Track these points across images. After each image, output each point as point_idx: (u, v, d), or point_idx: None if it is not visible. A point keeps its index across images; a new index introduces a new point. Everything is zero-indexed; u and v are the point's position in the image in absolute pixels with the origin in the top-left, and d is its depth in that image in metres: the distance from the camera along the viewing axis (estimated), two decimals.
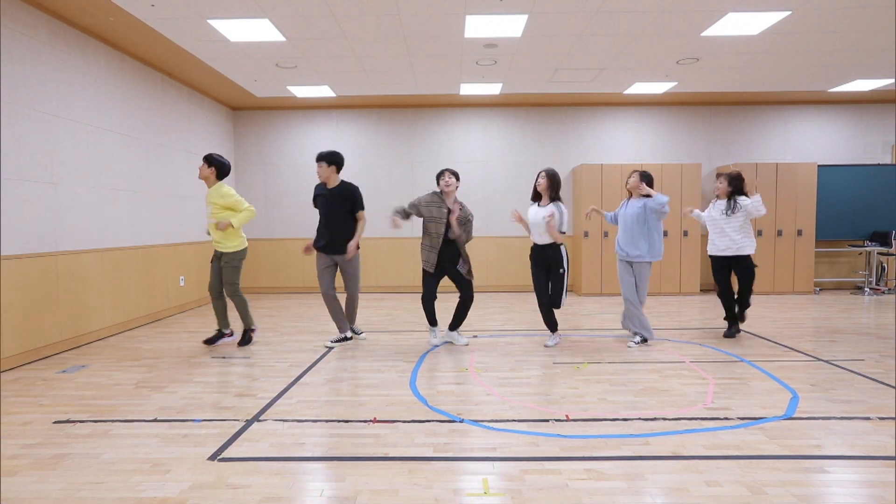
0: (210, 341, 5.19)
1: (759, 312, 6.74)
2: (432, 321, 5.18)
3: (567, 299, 5.01)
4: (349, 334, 5.24)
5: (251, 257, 9.06)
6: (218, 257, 5.02)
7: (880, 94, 8.29)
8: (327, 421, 3.23)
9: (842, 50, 6.11)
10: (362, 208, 5.06)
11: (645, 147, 9.00)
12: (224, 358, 4.77)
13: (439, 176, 5.01)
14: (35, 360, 4.70)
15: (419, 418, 3.26)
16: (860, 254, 8.90)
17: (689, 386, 3.85)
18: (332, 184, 5.02)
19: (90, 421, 3.27)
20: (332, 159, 4.97)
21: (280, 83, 7.36)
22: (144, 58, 6.32)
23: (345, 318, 5.21)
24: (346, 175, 8.94)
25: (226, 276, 4.99)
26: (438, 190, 5.04)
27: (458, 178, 5.10)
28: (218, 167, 4.93)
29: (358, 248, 5.03)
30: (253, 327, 5.20)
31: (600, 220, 8.35)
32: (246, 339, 5.16)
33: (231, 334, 5.28)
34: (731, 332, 5.35)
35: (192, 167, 7.54)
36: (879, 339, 5.31)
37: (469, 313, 7.00)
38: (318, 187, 5.11)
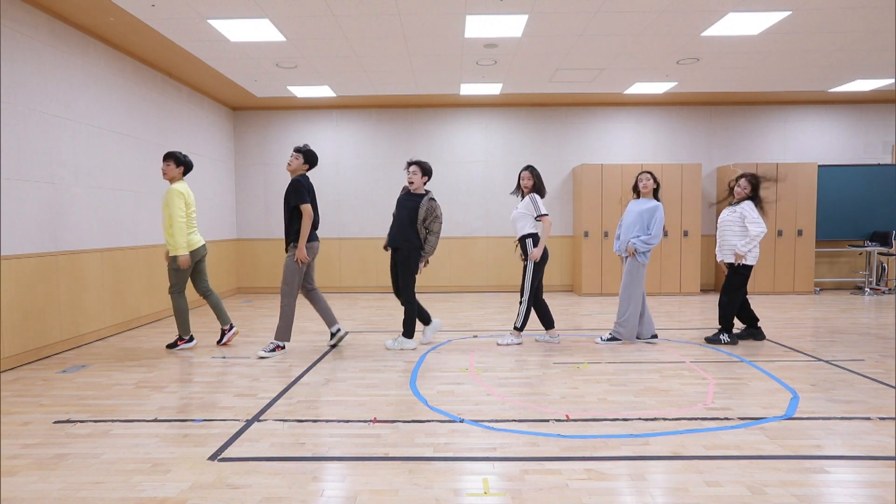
0: (219, 341, 5.25)
1: (760, 312, 6.73)
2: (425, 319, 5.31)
3: (527, 297, 5.07)
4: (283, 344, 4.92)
5: (251, 257, 9.08)
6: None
7: (880, 94, 8.29)
8: (327, 421, 3.23)
9: (842, 50, 6.11)
10: (303, 202, 4.70)
11: (645, 147, 9.00)
12: (224, 358, 4.77)
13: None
14: (35, 360, 4.70)
15: (419, 418, 3.26)
16: (860, 254, 8.90)
17: (689, 386, 3.85)
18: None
19: (90, 421, 3.27)
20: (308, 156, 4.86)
21: (280, 83, 7.36)
22: (144, 58, 6.32)
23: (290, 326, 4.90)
24: (346, 175, 9.05)
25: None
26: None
27: (423, 172, 5.11)
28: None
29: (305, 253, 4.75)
30: (185, 337, 5.09)
31: (601, 220, 8.36)
32: (174, 345, 5.08)
33: (231, 328, 5.26)
34: (742, 334, 5.26)
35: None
36: (879, 339, 5.31)
37: (470, 314, 7.01)
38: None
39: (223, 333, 5.23)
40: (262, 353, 4.76)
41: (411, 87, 7.61)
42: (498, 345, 5.14)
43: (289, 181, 4.92)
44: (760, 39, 5.76)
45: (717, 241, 5.19)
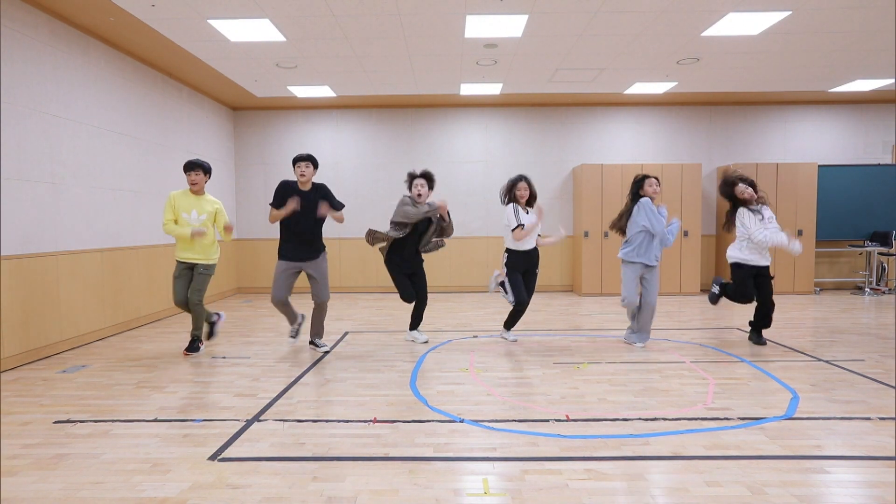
0: (202, 344, 5.00)
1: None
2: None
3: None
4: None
5: (251, 257, 9.08)
6: (191, 268, 4.79)
7: (880, 94, 8.29)
8: (327, 421, 3.23)
9: (842, 50, 6.11)
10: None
11: (645, 147, 9.00)
12: (224, 358, 4.77)
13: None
14: (35, 360, 4.70)
15: (419, 418, 3.26)
16: (860, 254, 8.90)
17: (689, 386, 3.85)
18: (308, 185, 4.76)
19: (90, 421, 3.27)
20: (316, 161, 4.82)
21: (280, 83, 7.36)
22: (144, 58, 6.32)
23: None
24: (346, 175, 9.06)
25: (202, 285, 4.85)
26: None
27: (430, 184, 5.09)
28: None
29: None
30: (213, 319, 5.08)
31: (601, 220, 8.36)
32: (212, 332, 5.10)
33: (219, 316, 5.16)
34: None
35: None
36: (879, 339, 5.31)
37: (470, 314, 7.02)
38: (290, 188, 4.73)
39: (211, 333, 5.11)
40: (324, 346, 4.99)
41: (411, 87, 7.61)
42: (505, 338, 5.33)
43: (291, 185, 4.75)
44: (760, 39, 5.76)
45: (766, 245, 4.86)
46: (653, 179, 4.93)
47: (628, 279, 4.91)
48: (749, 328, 5.29)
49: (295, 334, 5.10)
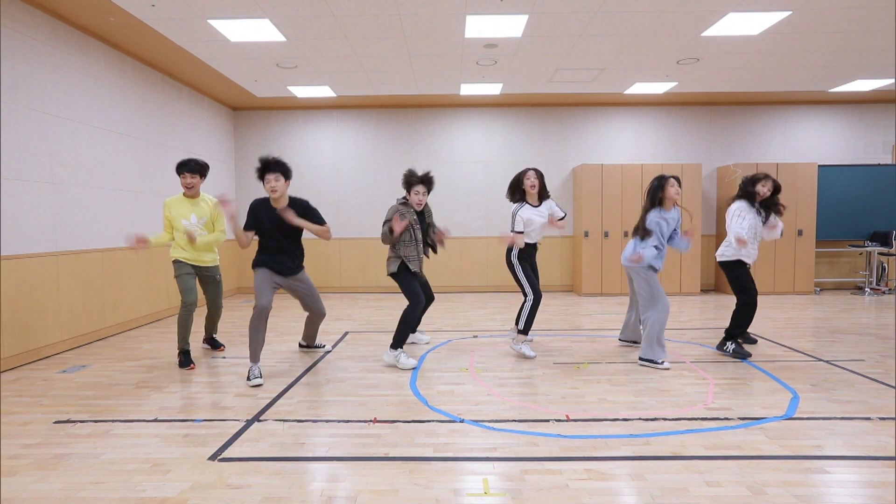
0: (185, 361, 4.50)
1: (760, 312, 6.74)
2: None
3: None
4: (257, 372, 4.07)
5: (251, 258, 9.06)
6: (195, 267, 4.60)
7: (880, 94, 8.29)
8: (327, 421, 3.23)
9: (842, 50, 6.11)
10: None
11: (645, 147, 9.00)
12: (224, 358, 4.77)
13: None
14: (35, 360, 4.70)
15: (419, 418, 3.26)
16: (860, 254, 8.90)
17: (689, 386, 3.85)
18: (285, 201, 4.19)
19: (90, 421, 3.27)
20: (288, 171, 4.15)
21: (280, 83, 7.36)
22: (144, 58, 6.32)
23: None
24: (346, 175, 9.06)
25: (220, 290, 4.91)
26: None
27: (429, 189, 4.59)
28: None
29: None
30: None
31: (601, 220, 8.35)
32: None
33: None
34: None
35: None
36: (880, 339, 5.31)
37: (470, 314, 7.01)
38: (263, 206, 4.20)
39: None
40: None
41: (411, 87, 7.61)
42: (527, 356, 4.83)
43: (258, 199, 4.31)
44: (760, 39, 5.76)
45: (755, 243, 4.64)
46: (673, 180, 4.36)
47: (658, 284, 4.41)
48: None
49: (253, 378, 3.96)
